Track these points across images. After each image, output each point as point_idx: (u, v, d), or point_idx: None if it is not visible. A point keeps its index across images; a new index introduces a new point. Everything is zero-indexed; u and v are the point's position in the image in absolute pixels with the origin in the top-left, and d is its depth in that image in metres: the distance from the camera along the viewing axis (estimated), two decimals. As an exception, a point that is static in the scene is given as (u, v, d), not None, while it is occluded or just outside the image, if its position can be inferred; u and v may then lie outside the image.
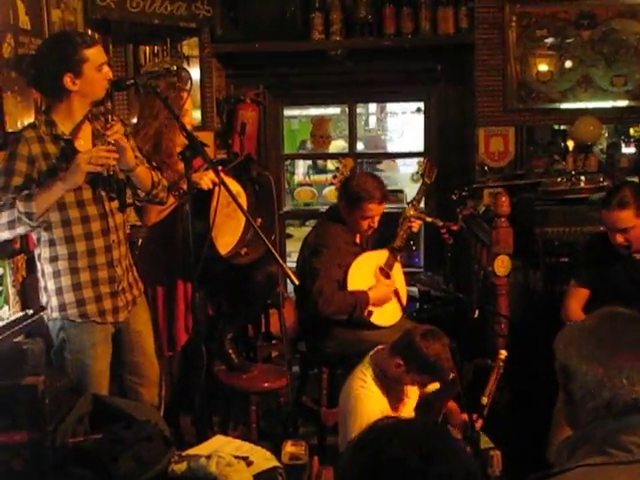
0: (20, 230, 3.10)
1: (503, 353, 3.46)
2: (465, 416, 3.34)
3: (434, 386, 3.46)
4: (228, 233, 3.97)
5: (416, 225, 4.39)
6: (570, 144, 5.76)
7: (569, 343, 1.79)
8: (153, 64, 5.58)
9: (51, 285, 3.30)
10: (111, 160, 3.14)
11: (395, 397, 3.47)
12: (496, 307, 4.45)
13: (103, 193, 3.32)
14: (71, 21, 4.61)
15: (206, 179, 3.77)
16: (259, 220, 3.88)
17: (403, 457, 1.43)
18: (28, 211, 3.01)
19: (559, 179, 5.28)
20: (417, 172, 5.38)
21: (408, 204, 4.47)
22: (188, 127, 3.83)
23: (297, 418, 4.54)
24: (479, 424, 3.29)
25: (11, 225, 3.06)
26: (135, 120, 4.18)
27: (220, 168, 3.79)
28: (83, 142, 3.25)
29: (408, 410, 3.51)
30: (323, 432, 4.21)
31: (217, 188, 3.48)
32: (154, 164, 3.58)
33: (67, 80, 3.15)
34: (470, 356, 4.02)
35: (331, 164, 8.71)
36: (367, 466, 1.46)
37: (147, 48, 5.70)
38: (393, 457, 1.44)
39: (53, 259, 3.26)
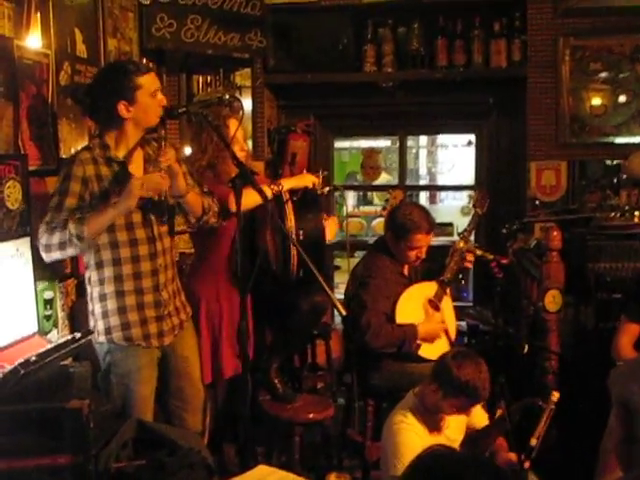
0: (70, 252, 3.14)
1: (555, 395, 3.34)
2: (513, 455, 3.27)
3: None
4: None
5: (469, 258, 4.32)
6: (623, 179, 5.68)
7: (630, 380, 1.73)
8: (206, 93, 5.64)
9: (98, 308, 3.32)
10: (164, 185, 3.17)
11: (436, 430, 3.41)
12: (546, 343, 4.37)
13: (153, 217, 3.34)
14: (126, 50, 4.69)
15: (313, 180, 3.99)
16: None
17: None
18: (79, 234, 3.05)
19: (612, 214, 5.19)
20: (468, 203, 5.34)
21: (459, 235, 4.42)
22: (242, 153, 3.87)
23: (341, 451, 4.50)
24: (526, 465, 3.20)
25: (62, 246, 3.09)
26: (187, 149, 4.21)
27: None
28: (135, 166, 3.29)
29: (453, 445, 3.45)
30: (367, 466, 4.16)
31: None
32: (205, 189, 3.59)
33: (121, 108, 3.20)
34: (519, 392, 3.94)
35: (377, 198, 8.73)
36: None
37: (200, 78, 5.76)
38: None
39: (101, 282, 3.30)
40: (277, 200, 3.89)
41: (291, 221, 3.88)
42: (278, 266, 3.90)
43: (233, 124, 3.88)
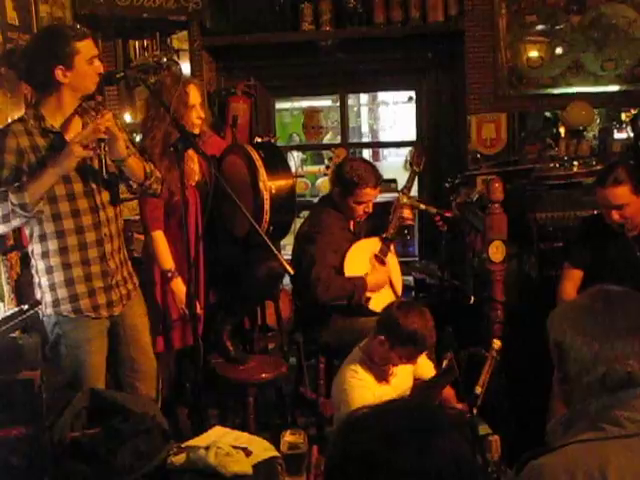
0: (15, 223, 3.09)
1: (497, 343, 3.45)
2: (462, 405, 3.34)
3: None
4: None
5: (408, 214, 4.37)
6: (562, 129, 5.77)
7: (563, 320, 1.79)
8: (143, 58, 5.56)
9: (44, 281, 3.28)
10: (100, 133, 3.10)
11: (385, 380, 3.48)
12: (491, 293, 4.45)
13: (94, 186, 3.29)
14: (59, 16, 4.59)
15: None
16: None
17: (369, 449, 1.35)
18: (21, 202, 3.00)
19: (552, 164, 5.28)
20: (406, 160, 5.39)
21: (399, 192, 4.46)
22: (198, 121, 3.84)
23: (295, 409, 4.55)
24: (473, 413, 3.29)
25: (5, 218, 3.05)
26: (127, 116, 4.16)
27: None
28: (72, 135, 3.23)
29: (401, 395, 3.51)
30: (322, 422, 4.21)
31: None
32: (146, 156, 3.55)
33: (58, 73, 3.13)
34: (466, 342, 4.02)
35: (326, 156, 8.72)
36: (340, 455, 1.42)
37: (136, 42, 5.68)
38: (359, 450, 1.37)
39: (45, 254, 3.25)
40: (249, 161, 3.91)
41: (263, 175, 3.89)
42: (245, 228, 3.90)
43: (192, 90, 3.85)
